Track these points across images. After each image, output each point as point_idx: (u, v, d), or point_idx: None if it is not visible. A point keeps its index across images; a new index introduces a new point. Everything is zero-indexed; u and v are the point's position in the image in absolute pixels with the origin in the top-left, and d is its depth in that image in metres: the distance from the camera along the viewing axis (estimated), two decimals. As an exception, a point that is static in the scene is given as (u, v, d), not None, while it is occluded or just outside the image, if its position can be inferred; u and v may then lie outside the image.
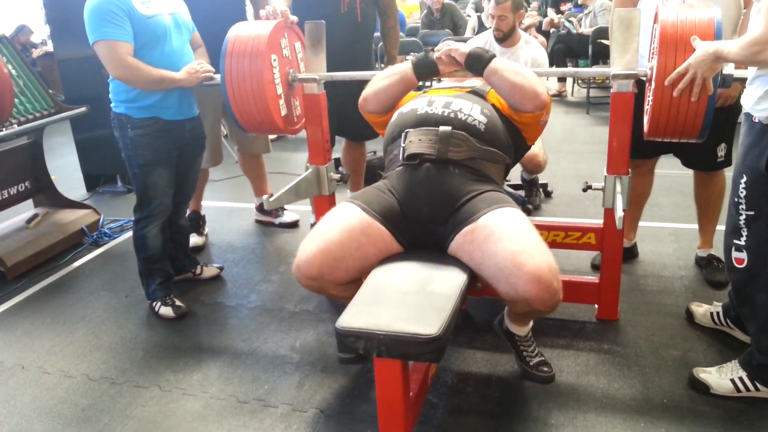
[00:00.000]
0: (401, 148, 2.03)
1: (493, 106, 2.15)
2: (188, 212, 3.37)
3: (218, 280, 3.10)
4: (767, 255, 1.83)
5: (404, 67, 2.24)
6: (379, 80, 2.29)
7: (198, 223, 3.58)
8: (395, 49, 3.42)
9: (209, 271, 3.13)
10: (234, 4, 3.29)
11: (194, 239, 3.45)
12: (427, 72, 2.25)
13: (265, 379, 2.27)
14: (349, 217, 1.95)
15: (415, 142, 2.00)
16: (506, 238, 1.76)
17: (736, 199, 1.86)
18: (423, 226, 1.97)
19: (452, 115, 2.04)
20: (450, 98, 2.11)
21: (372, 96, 2.30)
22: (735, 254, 1.92)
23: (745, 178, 1.81)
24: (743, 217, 1.85)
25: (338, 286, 1.98)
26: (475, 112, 2.05)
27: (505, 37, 3.43)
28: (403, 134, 2.06)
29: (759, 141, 1.75)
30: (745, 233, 1.86)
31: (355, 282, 1.97)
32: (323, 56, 2.53)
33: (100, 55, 2.42)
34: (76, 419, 2.13)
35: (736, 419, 1.93)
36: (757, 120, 1.76)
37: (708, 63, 1.83)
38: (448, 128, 2.00)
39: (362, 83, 2.39)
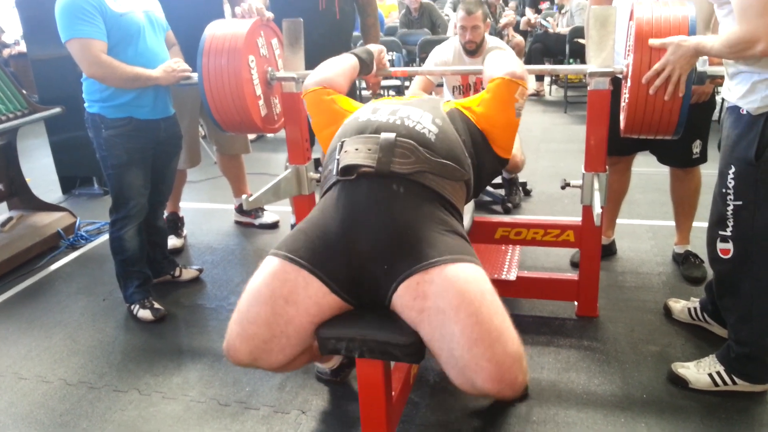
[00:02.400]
0: (336, 161, 1.69)
1: (455, 111, 1.89)
2: (166, 214, 3.34)
3: (197, 282, 3.07)
4: (753, 244, 1.86)
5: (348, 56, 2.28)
6: (329, 62, 2.19)
7: (176, 224, 3.55)
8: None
9: (188, 273, 3.10)
10: (211, 2, 3.26)
11: (173, 241, 3.42)
12: (365, 56, 2.30)
13: (246, 381, 2.25)
14: (269, 284, 1.59)
15: (351, 152, 1.65)
16: (464, 319, 1.42)
17: (723, 190, 1.88)
18: (362, 267, 1.60)
19: (398, 122, 1.71)
20: (398, 105, 1.80)
21: (335, 76, 2.09)
22: (720, 245, 1.94)
23: (733, 169, 1.84)
24: (730, 207, 1.87)
25: (283, 367, 1.66)
26: (425, 120, 1.73)
27: (478, 48, 3.35)
28: (338, 145, 1.73)
29: (748, 132, 1.78)
30: (731, 224, 1.88)
31: (304, 353, 1.70)
32: (301, 54, 2.52)
33: (73, 53, 2.39)
34: (54, 425, 2.10)
35: (715, 413, 1.95)
36: (745, 112, 1.79)
37: (687, 58, 1.85)
38: (392, 135, 1.65)
39: None
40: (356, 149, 1.66)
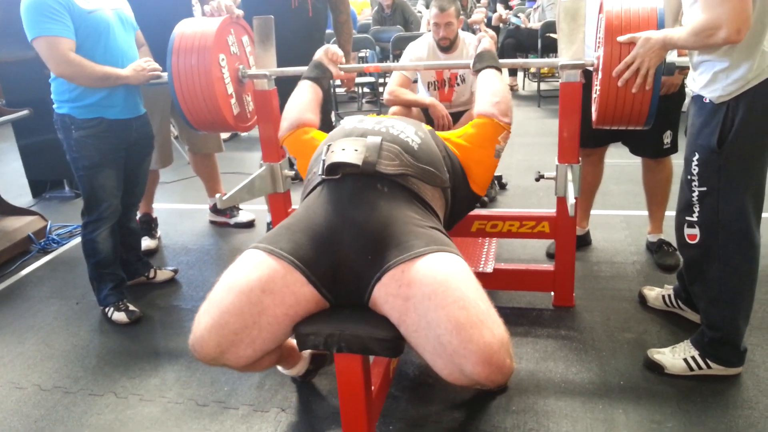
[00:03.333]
0: (321, 162, 1.72)
1: (436, 135, 1.95)
2: (139, 215, 3.30)
3: (173, 283, 3.04)
4: (719, 229, 1.90)
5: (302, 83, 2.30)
6: (292, 101, 2.23)
7: (150, 225, 3.50)
8: (349, 44, 3.38)
9: (163, 275, 3.06)
10: (180, 1, 3.22)
11: (146, 242, 3.38)
12: (316, 72, 2.32)
13: (224, 381, 2.24)
14: (247, 273, 1.57)
15: (337, 151, 1.69)
16: (451, 304, 1.42)
17: (688, 177, 1.92)
18: (344, 260, 1.60)
19: (383, 129, 1.79)
20: (382, 118, 1.90)
21: (304, 113, 2.16)
22: (687, 231, 1.97)
23: (697, 156, 1.88)
24: (696, 193, 1.91)
25: (249, 365, 1.62)
26: (408, 131, 1.81)
27: (452, 44, 3.36)
28: (324, 148, 1.78)
29: (711, 120, 1.82)
30: (697, 209, 1.92)
31: (272, 353, 1.69)
32: (273, 52, 2.51)
33: (40, 51, 2.34)
34: (29, 431, 2.06)
35: (690, 397, 1.99)
36: (708, 100, 1.83)
37: (656, 51, 1.88)
38: (378, 138, 1.73)
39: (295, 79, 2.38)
40: (343, 149, 1.69)
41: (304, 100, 2.22)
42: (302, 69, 2.45)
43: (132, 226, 2.93)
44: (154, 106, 3.14)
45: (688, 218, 1.96)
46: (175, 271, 3.11)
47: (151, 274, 3.03)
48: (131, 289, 2.89)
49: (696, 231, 1.95)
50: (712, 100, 1.81)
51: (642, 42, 1.90)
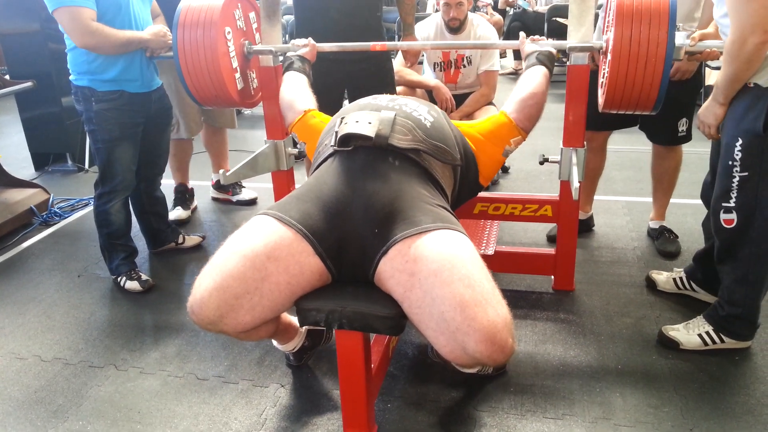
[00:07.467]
0: (334, 133, 1.73)
1: (450, 121, 1.95)
2: (176, 184, 3.47)
3: (174, 258, 3.04)
4: (756, 213, 1.91)
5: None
6: (288, 90, 2.24)
7: (184, 195, 3.54)
8: (411, 16, 3.11)
9: (191, 240, 3.14)
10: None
11: (178, 212, 3.47)
12: (299, 63, 2.33)
13: (224, 355, 2.25)
14: (254, 238, 1.56)
15: (351, 123, 1.70)
16: (456, 281, 1.42)
17: (729, 163, 1.92)
18: (351, 232, 1.60)
19: (396, 106, 1.79)
20: (396, 96, 1.92)
21: (305, 99, 2.18)
22: (723, 216, 1.99)
23: (740, 141, 1.87)
24: (736, 179, 1.91)
25: (246, 332, 1.61)
26: (421, 110, 1.83)
27: (462, 25, 3.35)
28: (338, 120, 1.79)
29: (756, 104, 1.82)
30: (734, 195, 1.93)
31: (270, 323, 1.69)
32: (279, 27, 2.49)
33: (62, 22, 2.33)
34: (28, 401, 2.07)
35: (687, 382, 2.00)
36: (752, 85, 1.82)
37: (711, 111, 1.95)
38: (392, 113, 1.73)
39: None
40: (356, 121, 1.70)
41: (300, 87, 2.23)
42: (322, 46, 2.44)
43: (158, 195, 2.99)
44: (174, 78, 3.12)
45: (725, 204, 1.97)
46: (203, 237, 3.18)
47: (180, 240, 3.09)
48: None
49: (733, 216, 1.96)
50: (758, 84, 1.81)
51: (701, 118, 1.99)
